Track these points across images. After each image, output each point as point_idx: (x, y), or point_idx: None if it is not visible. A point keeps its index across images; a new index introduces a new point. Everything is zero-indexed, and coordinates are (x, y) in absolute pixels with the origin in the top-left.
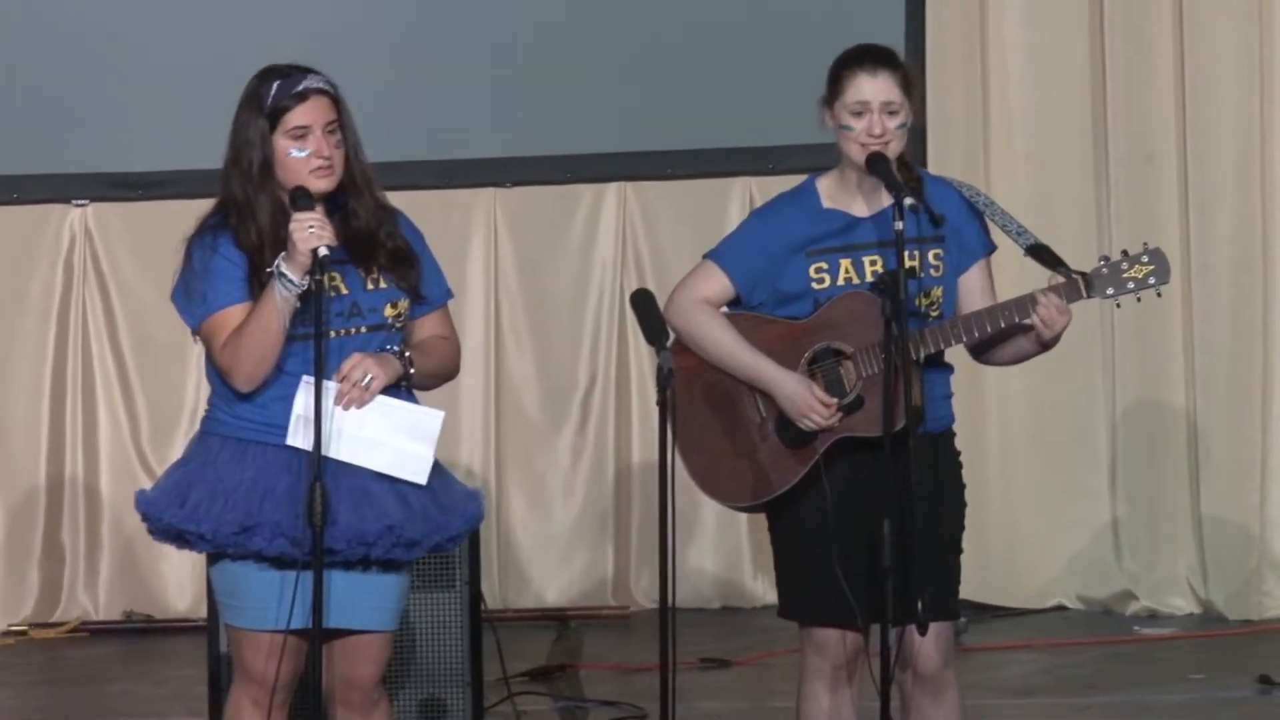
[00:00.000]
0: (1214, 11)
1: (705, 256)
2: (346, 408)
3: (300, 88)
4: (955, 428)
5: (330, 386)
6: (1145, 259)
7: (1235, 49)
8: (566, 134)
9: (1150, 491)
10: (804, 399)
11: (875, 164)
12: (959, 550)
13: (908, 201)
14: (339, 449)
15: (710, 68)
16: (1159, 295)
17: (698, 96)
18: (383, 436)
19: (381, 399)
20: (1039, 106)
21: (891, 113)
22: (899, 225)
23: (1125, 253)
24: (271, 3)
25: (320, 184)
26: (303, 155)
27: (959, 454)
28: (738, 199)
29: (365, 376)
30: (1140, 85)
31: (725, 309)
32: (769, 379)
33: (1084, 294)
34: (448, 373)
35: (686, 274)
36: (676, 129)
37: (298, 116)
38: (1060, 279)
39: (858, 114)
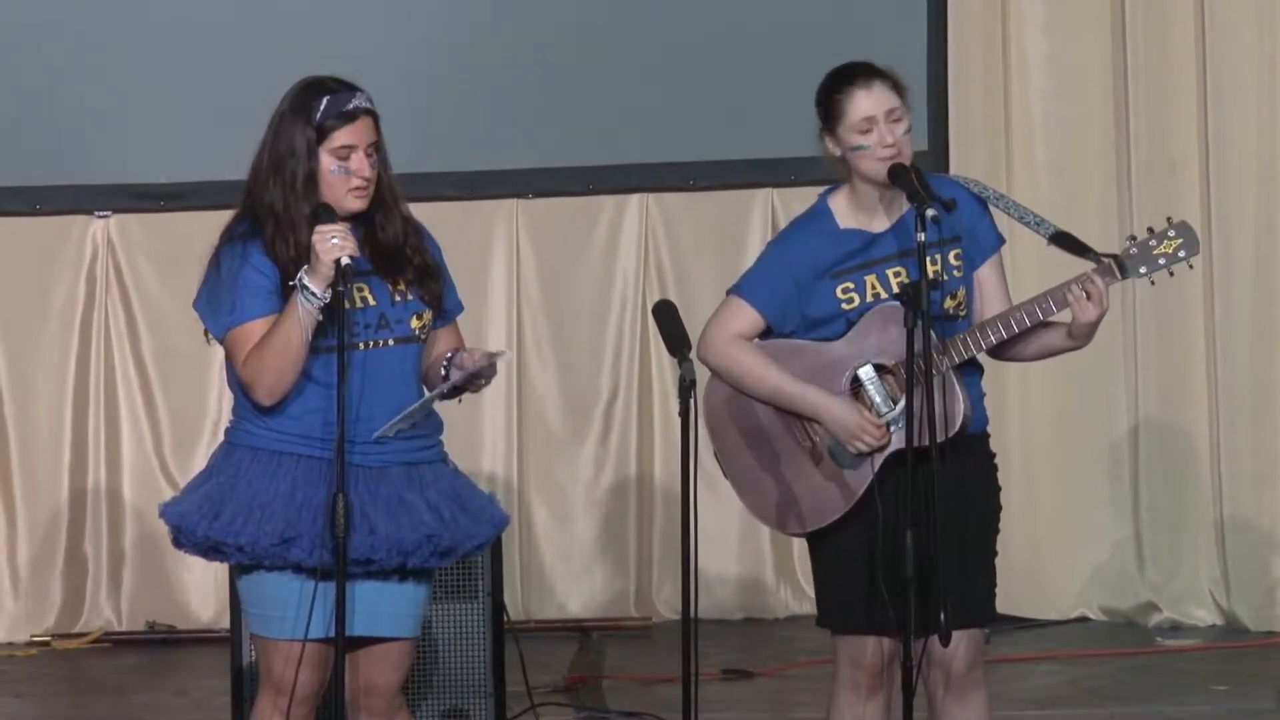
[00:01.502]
0: (1235, 19)
1: (729, 292)
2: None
3: (350, 107)
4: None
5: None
6: (1172, 233)
7: (1257, 56)
8: (588, 145)
9: (1172, 502)
10: (855, 422)
11: (897, 175)
12: (993, 553)
13: (929, 212)
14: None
15: (732, 79)
16: (1191, 267)
17: (720, 107)
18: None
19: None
20: (1061, 116)
21: (896, 120)
22: (921, 236)
23: (1151, 230)
24: (295, 15)
25: (356, 204)
26: (344, 174)
27: (994, 456)
28: (760, 210)
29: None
30: (1162, 94)
31: (757, 339)
32: (816, 407)
33: (1118, 276)
34: None
35: (714, 312)
36: (698, 140)
37: (344, 136)
38: (1090, 265)
39: (866, 131)
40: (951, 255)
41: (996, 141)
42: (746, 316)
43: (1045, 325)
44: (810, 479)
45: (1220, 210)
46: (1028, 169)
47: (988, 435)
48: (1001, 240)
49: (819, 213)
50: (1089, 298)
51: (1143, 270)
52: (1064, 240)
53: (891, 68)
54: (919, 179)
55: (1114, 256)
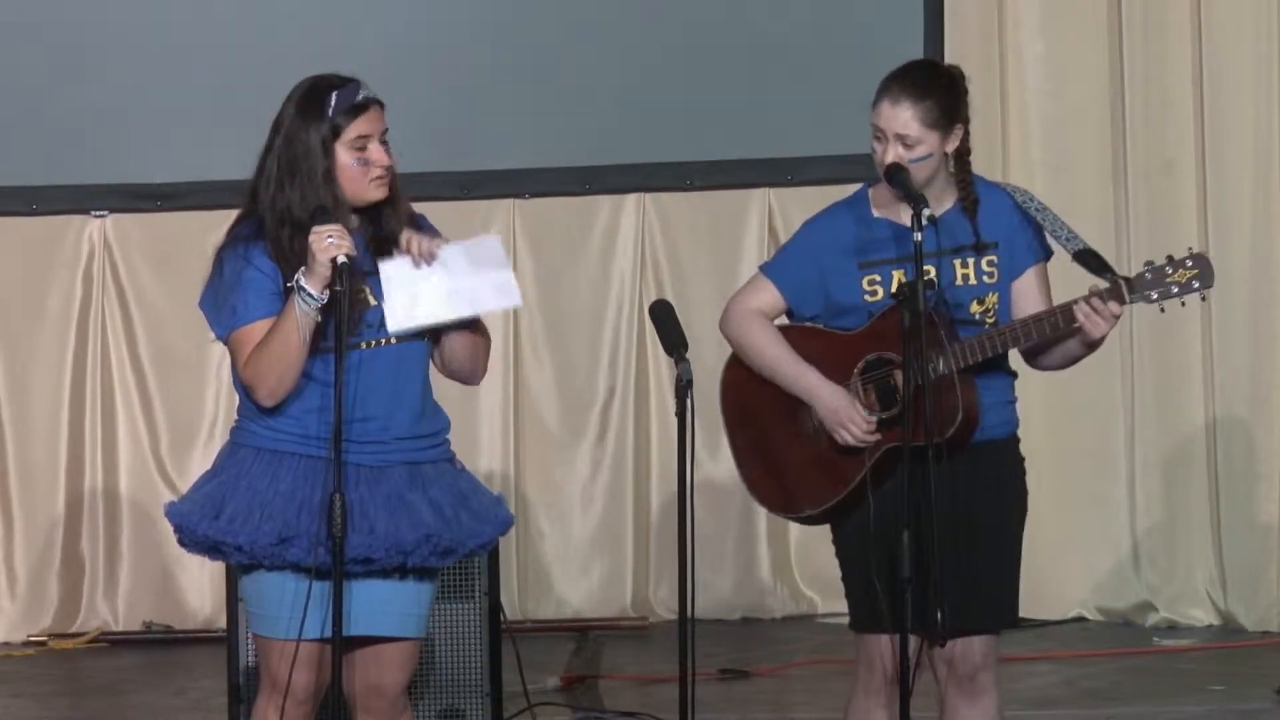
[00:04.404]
0: (1232, 20)
1: (760, 268)
2: (421, 258)
3: (360, 98)
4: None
5: (400, 261)
6: (1189, 263)
7: (1254, 57)
8: (585, 145)
9: (1169, 503)
10: (844, 411)
11: (892, 175)
12: (1012, 558)
13: (926, 213)
14: (429, 312)
15: (729, 79)
16: (1203, 299)
17: (716, 108)
18: (468, 280)
19: (444, 248)
20: (1057, 116)
21: (906, 145)
22: (918, 236)
23: (1170, 257)
24: (291, 16)
25: (379, 193)
26: (363, 165)
27: (1022, 460)
28: (756, 210)
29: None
30: (1158, 94)
31: (785, 320)
32: (810, 389)
33: (1126, 298)
34: (480, 358)
35: (741, 287)
36: (695, 140)
37: (359, 127)
38: (1104, 284)
39: (876, 138)
40: (984, 261)
41: (993, 141)
42: (768, 294)
43: (1067, 334)
44: (808, 466)
45: (1217, 210)
46: (1024, 168)
47: (1016, 439)
48: (1046, 253)
49: (857, 199)
50: (1097, 313)
51: (1154, 295)
52: (1087, 258)
53: (935, 91)
54: (965, 184)
55: (1127, 279)
